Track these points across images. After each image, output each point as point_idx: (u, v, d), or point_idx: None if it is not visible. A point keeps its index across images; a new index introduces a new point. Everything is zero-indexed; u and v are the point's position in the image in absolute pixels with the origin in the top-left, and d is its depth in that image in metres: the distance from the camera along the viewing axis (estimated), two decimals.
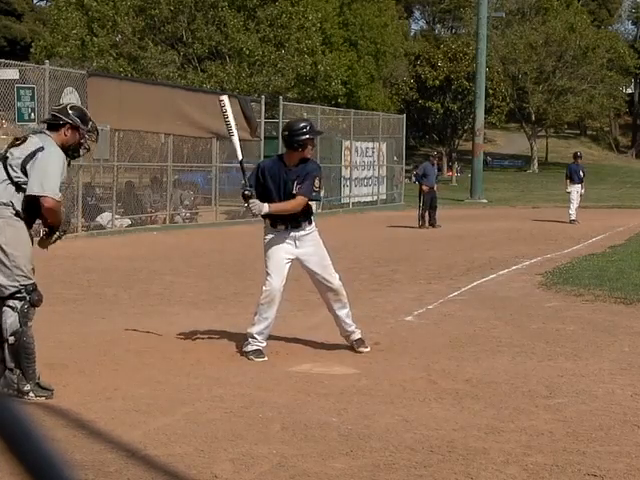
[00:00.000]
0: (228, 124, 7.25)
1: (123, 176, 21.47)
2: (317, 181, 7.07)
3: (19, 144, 5.77)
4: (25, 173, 5.63)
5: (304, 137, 6.99)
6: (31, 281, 5.66)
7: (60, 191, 5.75)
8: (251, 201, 6.86)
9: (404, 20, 71.37)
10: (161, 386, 6.00)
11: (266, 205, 6.85)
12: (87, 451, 4.53)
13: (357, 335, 7.26)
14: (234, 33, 37.00)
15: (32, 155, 5.64)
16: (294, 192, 6.94)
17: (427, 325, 8.54)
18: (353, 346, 7.22)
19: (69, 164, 5.95)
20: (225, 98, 7.30)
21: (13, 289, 5.59)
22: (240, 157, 7.19)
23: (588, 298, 10.00)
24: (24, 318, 5.59)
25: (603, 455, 4.61)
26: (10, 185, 5.64)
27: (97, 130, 6.26)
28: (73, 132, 5.87)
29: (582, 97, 67.60)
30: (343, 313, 7.20)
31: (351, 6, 50.85)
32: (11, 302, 5.60)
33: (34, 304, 5.66)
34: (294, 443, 4.77)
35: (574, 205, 22.93)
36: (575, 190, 22.96)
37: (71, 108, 6.03)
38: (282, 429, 5.02)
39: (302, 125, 7.11)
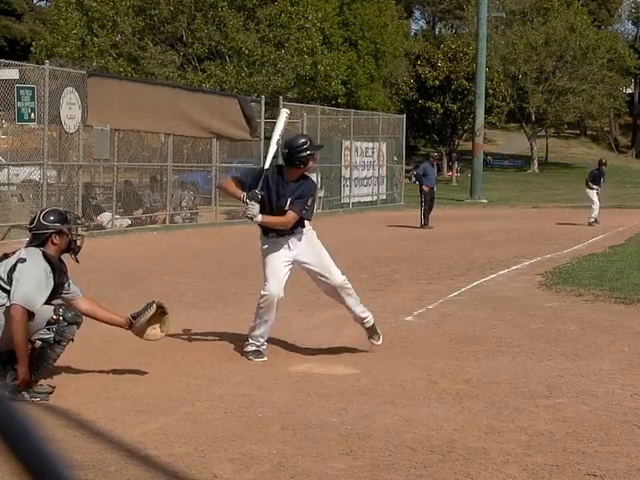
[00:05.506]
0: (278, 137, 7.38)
1: (123, 176, 21.44)
2: (310, 201, 7.10)
3: (9, 256, 5.87)
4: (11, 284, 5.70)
5: (305, 154, 6.93)
6: (51, 315, 5.66)
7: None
8: (252, 203, 6.80)
9: (404, 20, 71.33)
10: (161, 386, 6.00)
11: (260, 215, 6.82)
12: (87, 451, 4.52)
13: (369, 323, 7.23)
14: (234, 33, 37.03)
15: (13, 268, 5.71)
16: (286, 208, 6.91)
17: (427, 325, 8.53)
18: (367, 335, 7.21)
19: (76, 260, 6.02)
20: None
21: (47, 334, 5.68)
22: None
23: (588, 298, 10.00)
24: (59, 336, 5.64)
25: (603, 455, 4.61)
26: (2, 292, 5.72)
27: (78, 217, 6.39)
28: (60, 236, 5.93)
29: (582, 97, 67.57)
30: (352, 302, 7.14)
31: (351, 6, 50.89)
32: (48, 326, 5.68)
33: (71, 322, 5.68)
34: (294, 443, 4.77)
35: (596, 207, 22.58)
36: (595, 191, 22.64)
37: (44, 217, 5.97)
38: (282, 429, 5.02)
39: (302, 142, 7.01)
